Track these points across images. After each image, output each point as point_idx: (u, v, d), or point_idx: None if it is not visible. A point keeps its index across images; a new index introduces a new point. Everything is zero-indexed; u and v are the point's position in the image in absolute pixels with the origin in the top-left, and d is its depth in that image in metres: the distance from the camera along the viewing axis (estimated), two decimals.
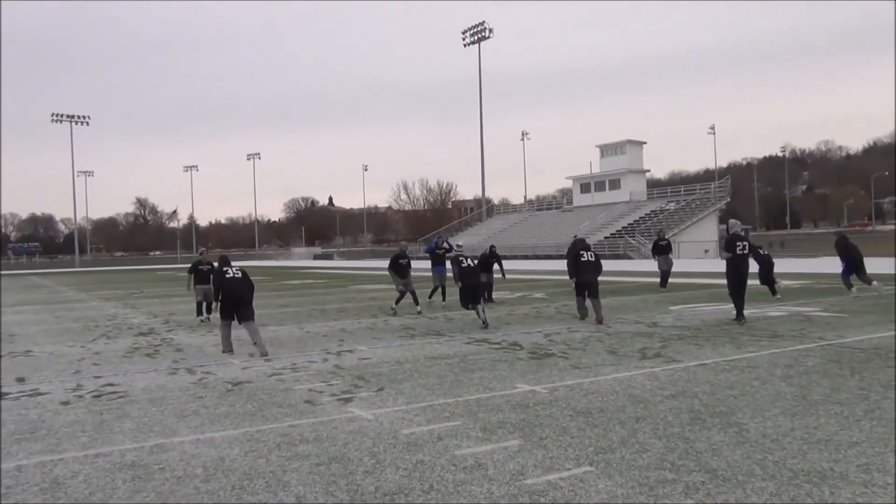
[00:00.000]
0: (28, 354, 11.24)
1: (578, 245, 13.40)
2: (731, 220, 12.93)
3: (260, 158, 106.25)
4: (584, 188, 71.23)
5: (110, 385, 8.35)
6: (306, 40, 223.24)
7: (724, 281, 12.86)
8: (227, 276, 10.42)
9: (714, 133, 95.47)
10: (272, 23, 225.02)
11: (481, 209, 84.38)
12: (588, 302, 12.96)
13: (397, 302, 16.11)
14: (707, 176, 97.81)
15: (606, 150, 69.23)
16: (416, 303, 15.84)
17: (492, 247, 18.34)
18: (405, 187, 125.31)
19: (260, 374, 8.71)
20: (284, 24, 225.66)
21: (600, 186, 69.05)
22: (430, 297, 18.17)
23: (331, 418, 6.36)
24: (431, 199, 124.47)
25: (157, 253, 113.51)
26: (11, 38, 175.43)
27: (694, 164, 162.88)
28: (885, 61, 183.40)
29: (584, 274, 12.78)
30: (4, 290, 34.38)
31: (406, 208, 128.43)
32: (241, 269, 10.78)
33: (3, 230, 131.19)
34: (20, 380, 8.93)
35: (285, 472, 4.88)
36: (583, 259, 12.88)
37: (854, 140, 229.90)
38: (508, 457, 5.04)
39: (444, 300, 17.53)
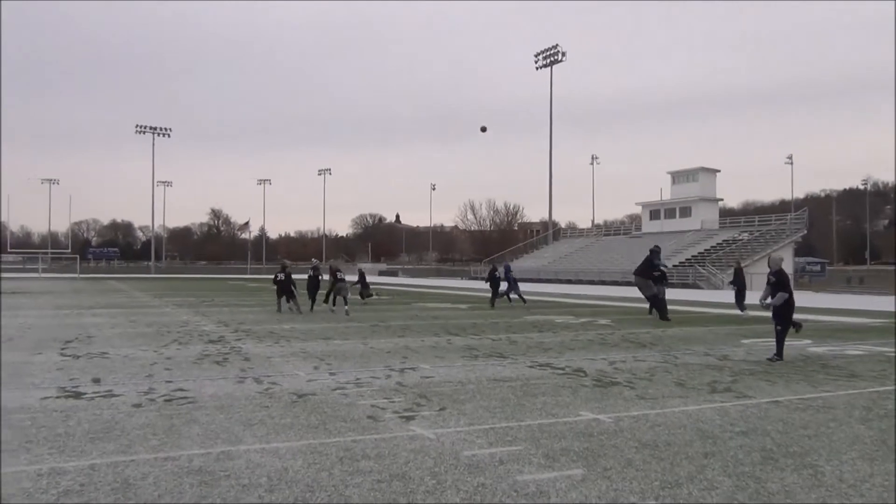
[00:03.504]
0: (104, 356, 11.65)
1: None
2: (776, 256, 12.41)
3: (331, 174, 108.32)
4: (654, 215, 70.12)
5: (181, 390, 8.58)
6: (381, 58, 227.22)
7: (799, 316, 12.38)
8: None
9: (791, 163, 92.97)
10: (348, 40, 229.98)
11: (548, 232, 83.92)
12: None
13: None
14: (783, 207, 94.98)
15: (678, 177, 68.06)
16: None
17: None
18: (472, 207, 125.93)
19: (324, 388, 8.81)
20: (359, 42, 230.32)
21: (670, 214, 67.86)
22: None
23: (393, 435, 6.38)
24: (498, 221, 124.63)
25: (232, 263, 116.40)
26: (98, 46, 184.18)
27: (769, 194, 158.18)
28: None
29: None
30: (84, 293, 35.81)
31: (472, 228, 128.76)
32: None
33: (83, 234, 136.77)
34: (96, 380, 9.26)
35: (347, 486, 4.90)
36: None
37: None
38: (571, 486, 4.95)
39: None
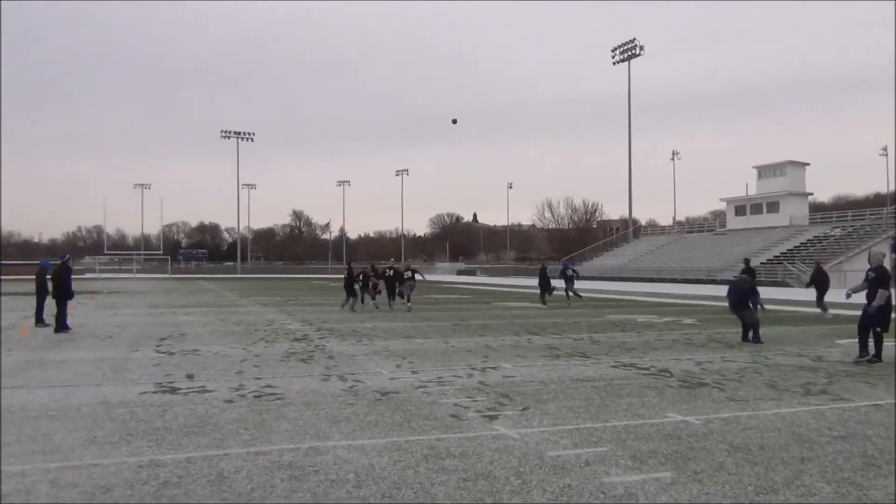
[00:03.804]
0: (196, 353, 12.10)
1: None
2: (877, 250, 11.77)
3: (408, 174, 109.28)
4: (739, 211, 67.91)
5: (269, 387, 8.82)
6: (453, 56, 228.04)
7: None
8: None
9: (886, 154, 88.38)
10: (420, 40, 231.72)
11: (628, 230, 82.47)
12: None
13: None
14: (878, 200, 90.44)
15: (765, 171, 65.71)
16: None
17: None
18: (549, 206, 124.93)
19: (407, 386, 8.90)
20: (431, 43, 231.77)
21: (757, 209, 65.60)
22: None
23: (476, 434, 6.38)
24: (576, 219, 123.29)
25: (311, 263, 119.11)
26: (184, 56, 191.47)
27: (862, 187, 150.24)
28: None
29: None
30: (175, 292, 37.27)
31: (550, 227, 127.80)
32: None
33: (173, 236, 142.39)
34: (189, 377, 9.62)
35: (433, 484, 4.93)
36: None
37: None
38: (661, 489, 4.84)
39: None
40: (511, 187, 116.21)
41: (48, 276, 16.98)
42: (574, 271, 27.11)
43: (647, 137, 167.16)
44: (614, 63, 76.37)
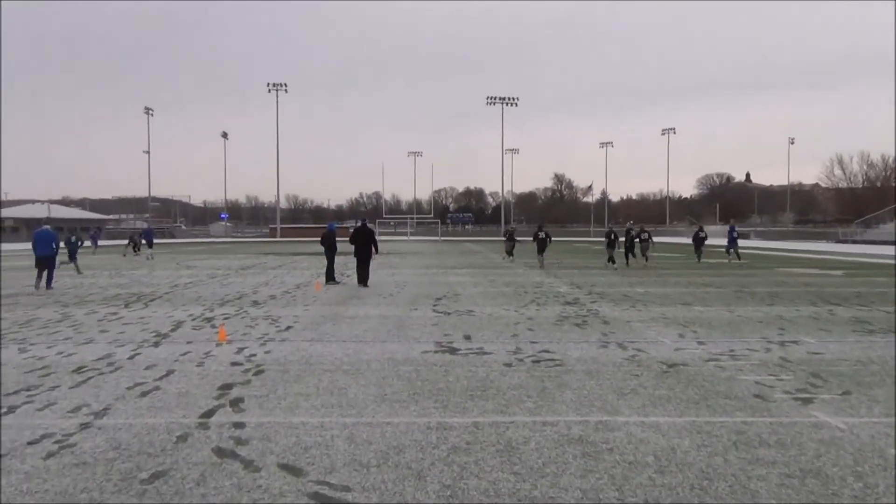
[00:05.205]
0: (471, 314, 12.24)
1: None
2: None
3: (675, 133, 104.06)
4: None
5: (546, 352, 8.54)
6: (721, 10, 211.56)
7: None
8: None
9: None
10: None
11: None
12: None
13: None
14: None
15: None
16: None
17: None
18: (840, 162, 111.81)
19: (695, 358, 8.12)
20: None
21: None
22: None
23: (791, 420, 5.52)
24: (872, 176, 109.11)
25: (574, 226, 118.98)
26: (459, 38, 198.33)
27: None
28: None
29: None
30: (446, 254, 38.95)
31: (840, 185, 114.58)
32: None
33: (441, 202, 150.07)
34: (467, 337, 9.67)
35: (749, 478, 4.26)
36: None
37: None
38: None
39: None
40: (793, 143, 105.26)
41: (343, 239, 18.56)
42: (737, 233, 29.50)
43: None
44: None
